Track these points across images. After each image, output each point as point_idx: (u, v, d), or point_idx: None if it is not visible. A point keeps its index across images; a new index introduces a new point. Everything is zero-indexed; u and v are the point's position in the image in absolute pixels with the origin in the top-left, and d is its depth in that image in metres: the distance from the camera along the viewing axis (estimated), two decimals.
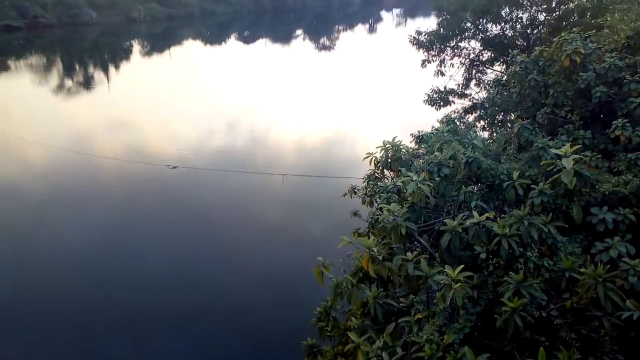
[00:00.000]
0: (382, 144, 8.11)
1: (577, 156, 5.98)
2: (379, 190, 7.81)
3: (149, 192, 20.08)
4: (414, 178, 6.47)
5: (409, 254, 6.02)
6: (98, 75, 47.60)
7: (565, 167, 5.81)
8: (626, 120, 7.07)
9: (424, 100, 17.53)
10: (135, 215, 17.94)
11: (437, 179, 6.89)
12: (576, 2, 15.57)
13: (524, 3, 15.94)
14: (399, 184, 7.20)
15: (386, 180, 8.62)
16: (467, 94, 17.00)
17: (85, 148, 24.46)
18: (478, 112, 14.09)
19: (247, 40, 78.10)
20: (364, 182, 8.86)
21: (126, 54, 60.44)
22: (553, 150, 6.28)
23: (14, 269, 14.41)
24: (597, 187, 6.27)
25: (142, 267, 14.49)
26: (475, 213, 5.93)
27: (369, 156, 8.38)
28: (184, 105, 34.39)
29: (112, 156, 23.27)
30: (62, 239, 16.11)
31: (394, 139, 8.22)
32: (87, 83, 43.30)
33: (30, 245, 15.74)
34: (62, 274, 14.00)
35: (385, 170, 8.51)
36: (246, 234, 16.67)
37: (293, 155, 25.19)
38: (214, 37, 79.62)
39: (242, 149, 25.76)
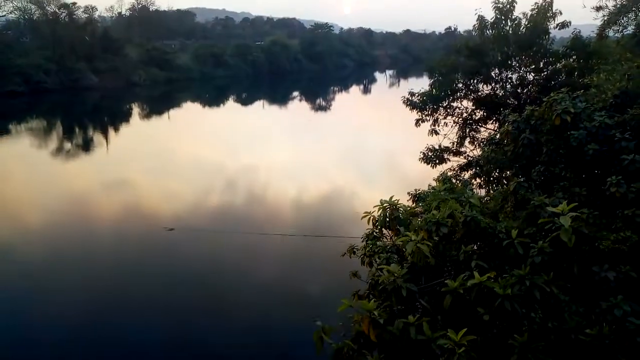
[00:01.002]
0: (379, 203, 8.15)
1: (575, 214, 6.00)
2: (378, 250, 7.77)
3: (144, 255, 19.84)
4: (413, 238, 6.46)
5: (410, 316, 5.90)
6: (97, 137, 48.36)
7: (563, 225, 5.83)
8: (620, 177, 7.17)
9: (420, 159, 17.76)
10: (129, 279, 17.62)
11: (436, 238, 6.87)
12: (563, 63, 16.16)
13: (513, 64, 16.53)
14: (398, 243, 7.18)
15: (385, 240, 8.58)
16: (461, 152, 17.25)
17: (81, 210, 24.45)
18: (473, 169, 14.26)
19: (245, 102, 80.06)
20: (362, 241, 8.82)
21: (126, 116, 61.72)
22: (550, 209, 6.31)
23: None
24: (596, 244, 6.27)
25: (135, 332, 14.09)
26: (475, 273, 5.87)
27: (367, 215, 8.39)
28: (182, 165, 34.73)
29: (108, 218, 23.21)
30: (52, 305, 15.74)
31: (392, 197, 8.28)
32: (86, 145, 43.89)
33: (22, 307, 15.36)
34: (53, 342, 13.57)
35: (383, 229, 8.49)
36: (243, 296, 16.37)
37: (291, 213, 25.17)
38: (213, 99, 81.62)
39: (240, 209, 25.76)
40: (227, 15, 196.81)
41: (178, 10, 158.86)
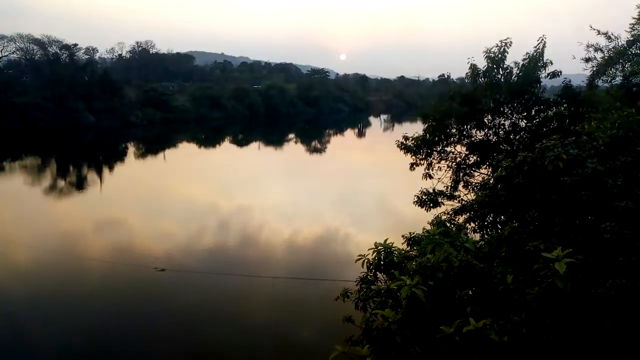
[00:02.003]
0: (374, 246, 8.10)
1: (570, 260, 5.98)
2: (372, 294, 7.65)
3: (133, 296, 19.43)
4: (408, 282, 6.39)
5: None
6: (91, 176, 48.29)
7: (558, 271, 5.79)
8: (613, 223, 7.19)
9: (414, 202, 17.77)
10: (116, 321, 17.18)
11: (431, 282, 6.80)
12: (554, 110, 16.49)
13: (505, 111, 16.83)
14: (393, 287, 7.08)
15: (379, 284, 8.47)
16: (455, 196, 17.29)
17: (71, 249, 24.10)
18: (468, 214, 14.25)
19: (241, 143, 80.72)
20: (356, 285, 8.69)
21: (121, 155, 61.88)
22: (545, 254, 6.29)
23: None
24: (592, 291, 6.23)
25: None
26: (471, 319, 5.78)
27: (360, 258, 8.32)
28: (176, 205, 34.58)
29: (100, 258, 22.87)
30: (34, 349, 15.25)
31: (386, 240, 8.24)
32: (80, 183, 43.76)
33: (3, 348, 14.85)
34: None
35: (378, 273, 8.40)
36: (233, 341, 15.96)
37: (284, 256, 24.89)
38: (209, 140, 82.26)
39: (232, 250, 25.49)
40: (225, 59, 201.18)
41: (177, 54, 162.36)
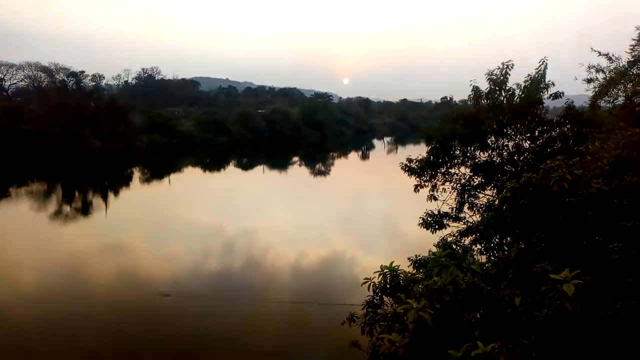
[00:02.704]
0: (380, 269, 8.04)
1: (578, 281, 5.92)
2: (379, 319, 7.57)
3: (138, 322, 19.29)
4: (414, 305, 6.33)
5: None
6: (96, 200, 48.44)
7: (567, 293, 5.73)
8: (621, 244, 7.13)
9: (419, 224, 17.72)
10: (120, 347, 17.03)
11: (438, 305, 6.73)
12: (558, 131, 16.52)
13: (509, 132, 16.86)
14: (399, 311, 7.01)
15: (386, 307, 8.38)
16: (461, 218, 17.23)
17: (79, 274, 24.04)
18: (474, 235, 14.17)
19: (246, 167, 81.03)
20: (362, 309, 8.61)
21: (126, 180, 62.19)
22: (553, 276, 6.23)
23: None
24: (601, 312, 6.14)
25: None
26: (479, 343, 5.70)
27: (366, 281, 8.25)
28: (181, 230, 34.56)
29: (105, 283, 22.78)
30: None
31: (392, 263, 8.18)
32: (85, 208, 43.88)
33: None
34: None
35: (384, 296, 8.32)
36: None
37: (289, 279, 24.73)
38: (214, 164, 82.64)
39: (237, 274, 25.35)
40: (230, 85, 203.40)
41: (183, 79, 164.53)
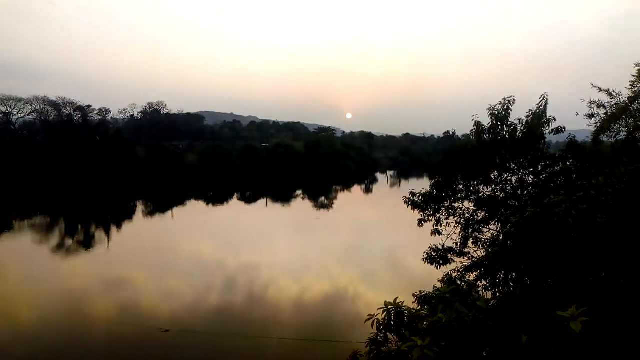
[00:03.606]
0: (384, 305, 7.92)
1: (585, 318, 5.81)
2: (383, 357, 7.40)
3: (137, 358, 18.95)
4: (419, 343, 6.21)
5: None
6: (99, 234, 48.35)
7: (574, 331, 5.62)
8: (628, 279, 7.04)
9: (423, 259, 17.54)
10: None
11: (443, 343, 6.59)
12: (561, 165, 16.53)
13: (512, 167, 16.88)
14: (404, 349, 6.87)
15: (390, 345, 8.21)
16: (465, 253, 17.05)
17: (78, 309, 23.77)
18: (479, 270, 14.00)
19: (249, 200, 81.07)
20: (366, 346, 8.43)
21: (129, 213, 62.22)
22: (559, 313, 6.12)
23: None
24: (610, 350, 6.01)
25: None
26: None
27: (370, 318, 8.11)
28: (183, 264, 34.34)
29: (104, 317, 22.50)
30: None
31: (396, 299, 8.06)
32: (88, 242, 43.78)
33: None
34: None
35: (388, 333, 8.16)
36: None
37: (292, 315, 24.36)
38: (217, 197, 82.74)
39: (238, 309, 25.01)
40: (234, 119, 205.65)
41: (188, 114, 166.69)
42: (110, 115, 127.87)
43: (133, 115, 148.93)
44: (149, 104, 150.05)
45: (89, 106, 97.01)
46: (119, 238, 45.64)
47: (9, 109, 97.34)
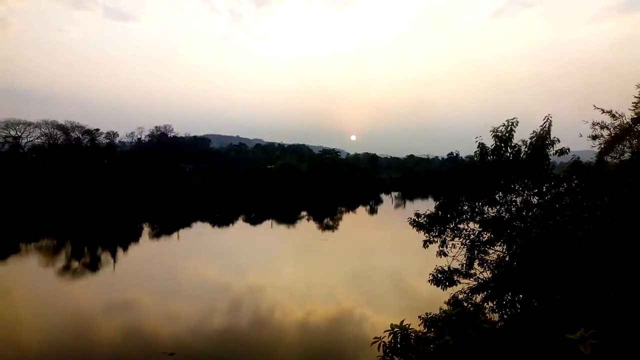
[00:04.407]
0: (390, 327, 7.83)
1: (594, 341, 5.72)
2: None
3: None
4: None
5: None
6: (105, 256, 48.28)
7: (584, 354, 5.53)
8: (636, 301, 6.94)
9: (429, 280, 17.40)
10: None
11: None
12: (565, 186, 16.46)
13: (516, 188, 16.84)
14: None
15: None
16: (471, 274, 16.90)
17: (83, 332, 23.60)
18: (485, 292, 13.85)
19: (254, 221, 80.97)
20: None
21: (135, 235, 62.20)
22: (568, 336, 6.03)
23: None
24: None
25: None
26: None
27: (376, 341, 8.01)
28: (188, 286, 34.16)
29: (109, 341, 22.31)
30: None
31: (402, 322, 7.97)
32: (94, 264, 43.69)
33: None
34: None
35: (394, 356, 8.05)
36: None
37: (296, 338, 24.07)
38: (222, 219, 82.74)
39: (243, 332, 24.75)
40: (240, 142, 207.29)
41: (194, 137, 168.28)
42: (118, 139, 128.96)
43: (140, 138, 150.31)
44: (156, 127, 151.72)
45: (97, 130, 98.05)
46: (124, 260, 45.56)
47: (18, 132, 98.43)
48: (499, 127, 16.65)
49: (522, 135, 16.92)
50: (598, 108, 18.81)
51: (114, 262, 44.10)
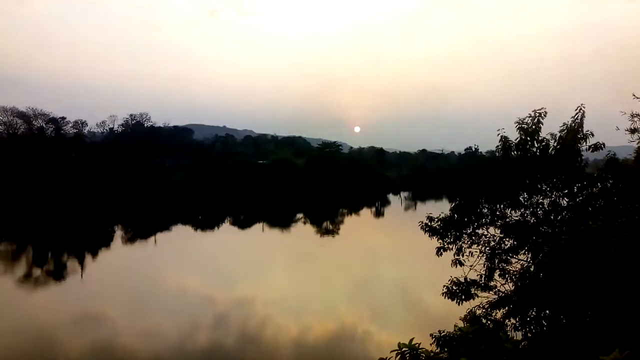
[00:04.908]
0: (397, 347, 7.84)
1: None
2: None
3: None
4: None
5: None
6: (72, 263, 48.29)
7: None
8: None
9: (443, 293, 17.40)
10: None
11: None
12: (599, 186, 16.46)
13: (543, 188, 16.82)
14: None
15: None
16: (491, 286, 16.90)
17: (47, 351, 23.61)
18: (507, 307, 13.88)
19: (243, 224, 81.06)
20: None
21: (106, 240, 62.24)
22: (602, 358, 6.05)
23: None
24: None
25: None
26: None
27: None
28: (166, 298, 34.18)
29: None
30: None
31: (411, 340, 7.98)
32: (59, 272, 43.72)
33: None
34: None
35: None
36: None
37: (291, 358, 24.12)
38: (207, 221, 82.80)
39: (230, 351, 24.79)
40: (227, 133, 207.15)
41: (175, 127, 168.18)
42: (87, 129, 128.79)
43: (113, 128, 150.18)
44: (130, 115, 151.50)
45: (63, 118, 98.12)
46: (94, 268, 45.59)
47: None
48: (524, 119, 16.63)
49: (550, 128, 16.90)
50: (638, 97, 18.83)
51: (82, 269, 44.12)
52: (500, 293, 16.29)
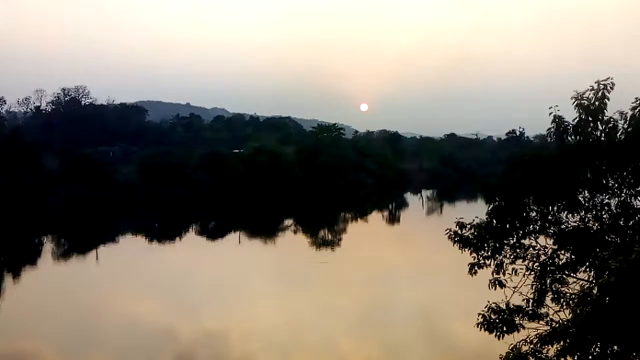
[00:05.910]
0: None
1: None
2: None
3: None
4: None
5: None
6: None
7: None
8: None
9: (478, 324, 17.43)
10: None
11: None
12: None
13: (610, 185, 16.83)
14: None
15: None
16: (541, 315, 16.97)
17: None
18: (562, 342, 13.93)
19: (213, 234, 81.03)
20: None
21: (32, 254, 62.16)
22: None
23: None
24: None
25: None
26: None
27: None
28: (112, 330, 34.18)
29: None
30: None
31: None
32: None
33: None
34: None
35: None
36: None
37: None
38: (165, 230, 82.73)
39: None
40: (192, 112, 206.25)
41: (122, 105, 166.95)
42: (5, 107, 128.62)
43: (40, 107, 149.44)
44: (63, 90, 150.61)
45: None
46: (16, 291, 45.54)
47: None
48: (584, 93, 16.58)
49: (619, 105, 16.89)
50: None
51: None
52: (554, 323, 16.34)
